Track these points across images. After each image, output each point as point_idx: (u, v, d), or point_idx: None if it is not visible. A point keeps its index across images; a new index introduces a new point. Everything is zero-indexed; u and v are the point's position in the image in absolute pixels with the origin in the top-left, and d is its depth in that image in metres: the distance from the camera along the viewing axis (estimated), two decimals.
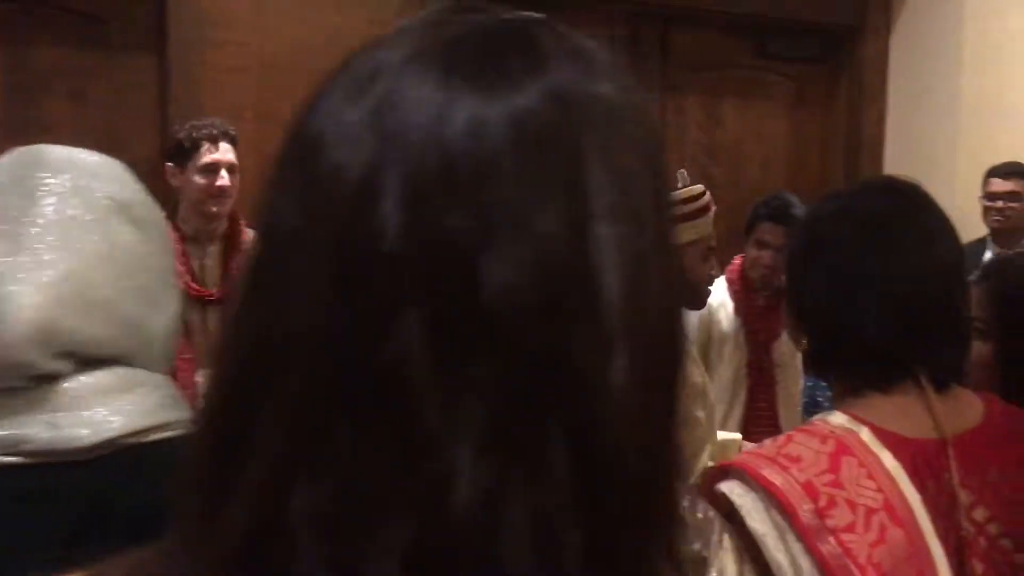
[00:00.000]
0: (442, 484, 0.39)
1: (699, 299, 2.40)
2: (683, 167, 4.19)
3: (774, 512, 1.06)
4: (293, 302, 0.42)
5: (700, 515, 1.17)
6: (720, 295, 3.04)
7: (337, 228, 0.42)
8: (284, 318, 0.42)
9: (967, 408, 1.18)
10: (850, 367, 1.18)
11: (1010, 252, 3.63)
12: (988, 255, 3.72)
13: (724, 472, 1.13)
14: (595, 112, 0.45)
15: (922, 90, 4.24)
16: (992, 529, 1.14)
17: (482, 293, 0.40)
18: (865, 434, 1.11)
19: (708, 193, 2.42)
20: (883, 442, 1.10)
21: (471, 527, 0.39)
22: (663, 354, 0.46)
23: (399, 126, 0.42)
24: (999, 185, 3.83)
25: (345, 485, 0.40)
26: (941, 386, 1.16)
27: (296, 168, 0.44)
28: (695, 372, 2.69)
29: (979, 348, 1.54)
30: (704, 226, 2.38)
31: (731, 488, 1.09)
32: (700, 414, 2.30)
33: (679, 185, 2.39)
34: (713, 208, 2.39)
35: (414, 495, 0.39)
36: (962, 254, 1.24)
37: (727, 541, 1.07)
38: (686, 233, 2.35)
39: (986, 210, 3.87)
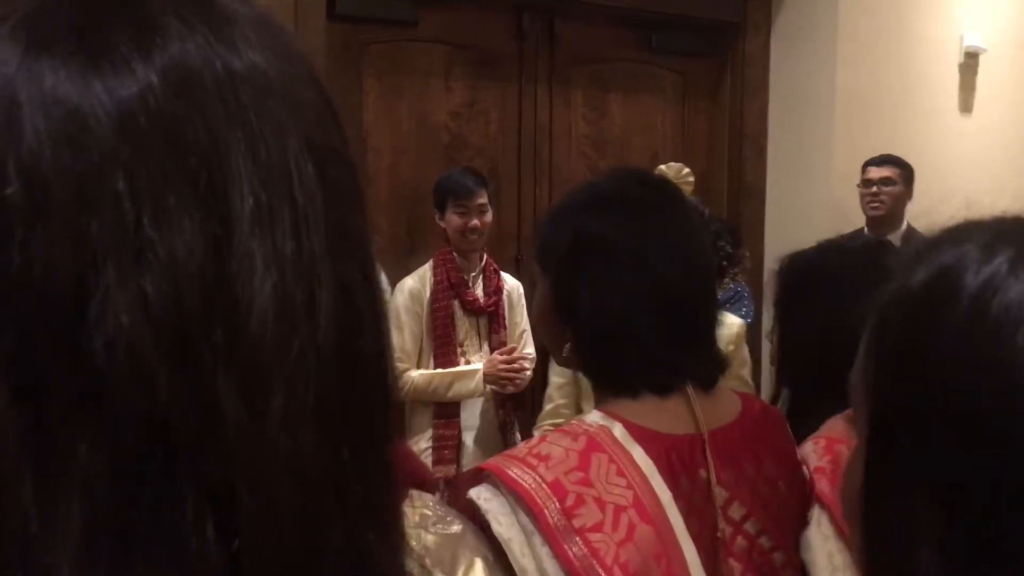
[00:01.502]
0: None
1: None
2: (570, 159, 4.25)
3: (521, 514, 1.02)
4: None
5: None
6: None
7: None
8: None
9: (725, 405, 1.17)
10: (620, 370, 1.14)
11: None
12: None
13: (478, 476, 1.08)
14: (233, 91, 0.36)
15: (801, 85, 4.33)
16: (750, 527, 1.13)
17: (89, 347, 0.32)
18: (618, 430, 1.08)
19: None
20: (635, 437, 1.08)
21: None
22: (349, 379, 0.38)
23: None
24: (874, 172, 3.97)
25: None
26: (709, 383, 1.16)
27: None
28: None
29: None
30: None
31: (479, 493, 1.05)
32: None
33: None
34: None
35: None
36: (707, 242, 1.25)
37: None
38: None
39: (863, 197, 4.00)
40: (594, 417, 1.12)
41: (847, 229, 4.07)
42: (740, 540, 1.13)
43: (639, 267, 1.11)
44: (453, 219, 3.15)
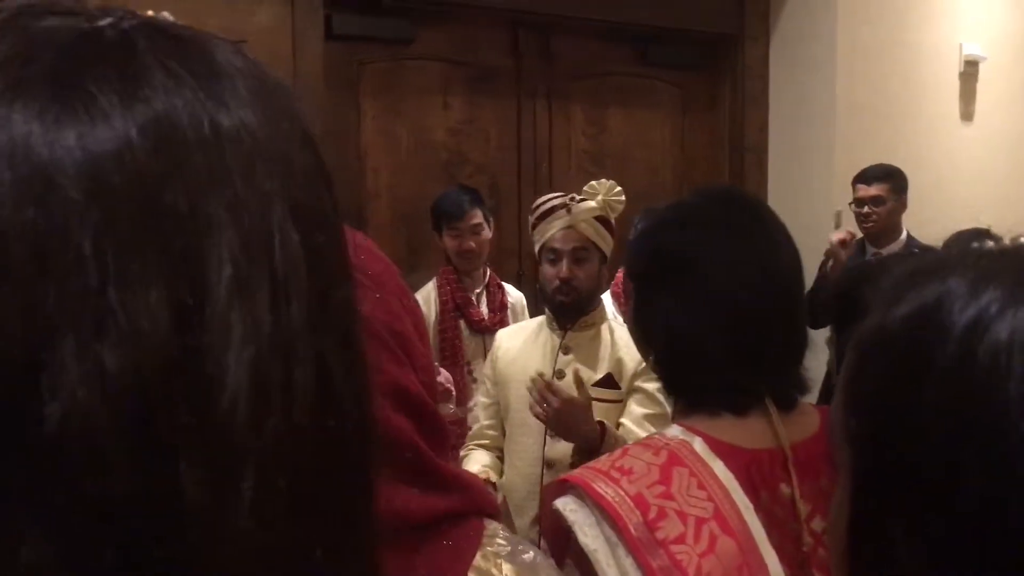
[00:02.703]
0: None
1: (552, 303, 2.36)
2: (570, 173, 4.22)
3: (605, 526, 1.04)
4: None
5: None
6: (610, 310, 3.00)
7: None
8: None
9: (806, 419, 1.16)
10: (696, 389, 1.14)
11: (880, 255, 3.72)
12: (869, 255, 3.81)
13: (563, 487, 1.09)
14: (219, 150, 0.34)
15: (801, 96, 4.34)
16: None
17: (41, 422, 0.30)
18: (698, 444, 1.08)
19: (557, 199, 2.40)
20: (716, 452, 1.08)
21: None
22: (326, 464, 0.36)
23: None
24: (863, 191, 3.88)
25: None
26: (787, 405, 1.14)
27: None
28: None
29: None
30: (541, 232, 2.37)
31: (565, 504, 1.07)
32: None
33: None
34: (560, 213, 2.37)
35: None
36: (800, 263, 1.19)
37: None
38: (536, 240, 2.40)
39: (856, 216, 3.95)
40: (674, 431, 1.12)
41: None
42: (821, 552, 1.12)
43: (712, 287, 1.11)
44: (448, 241, 3.14)
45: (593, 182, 2.44)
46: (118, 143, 0.32)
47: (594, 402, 2.10)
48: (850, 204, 3.96)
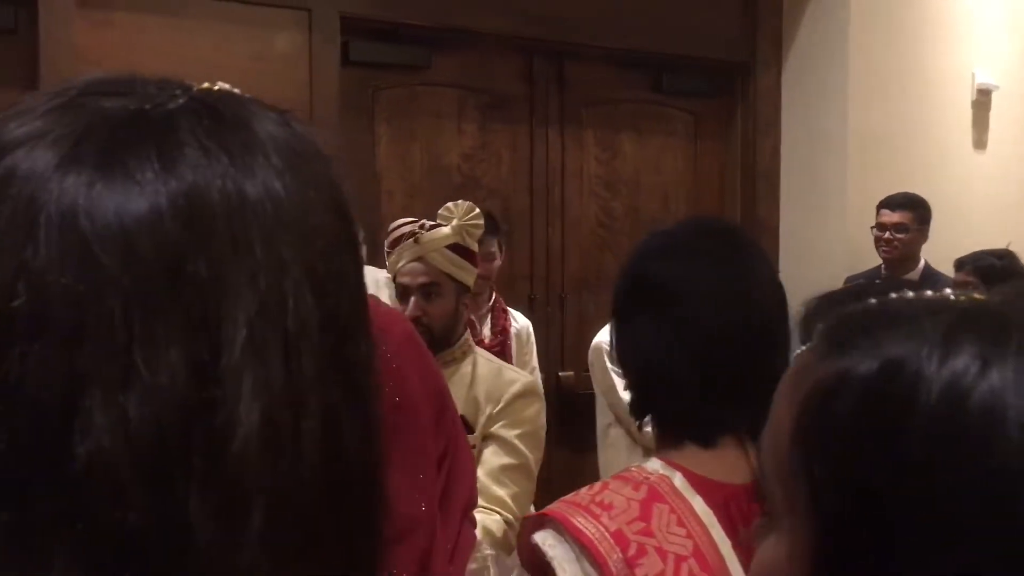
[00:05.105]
0: None
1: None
2: (582, 199, 4.24)
3: (585, 563, 1.05)
4: None
5: None
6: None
7: None
8: None
9: None
10: (668, 420, 1.15)
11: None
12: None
13: (541, 521, 1.11)
14: (242, 220, 0.37)
15: (813, 123, 4.34)
16: None
17: (71, 462, 0.33)
18: (678, 480, 1.10)
19: (407, 225, 2.18)
20: (695, 487, 1.09)
21: None
22: (333, 507, 0.39)
23: None
24: (887, 216, 3.92)
25: None
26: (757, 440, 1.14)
27: None
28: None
29: None
30: (391, 263, 2.18)
31: (544, 539, 1.07)
32: None
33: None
34: (407, 244, 2.15)
35: None
36: (783, 295, 1.19)
37: None
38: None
39: (876, 240, 3.97)
40: (655, 465, 1.13)
41: (862, 267, 4.06)
42: None
43: (687, 317, 1.11)
44: None
45: (450, 204, 2.23)
46: (151, 214, 0.36)
47: None
48: (872, 228, 3.97)
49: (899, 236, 3.90)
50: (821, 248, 4.26)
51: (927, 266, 3.97)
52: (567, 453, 3.78)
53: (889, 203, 3.93)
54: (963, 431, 0.52)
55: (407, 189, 3.93)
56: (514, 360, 3.25)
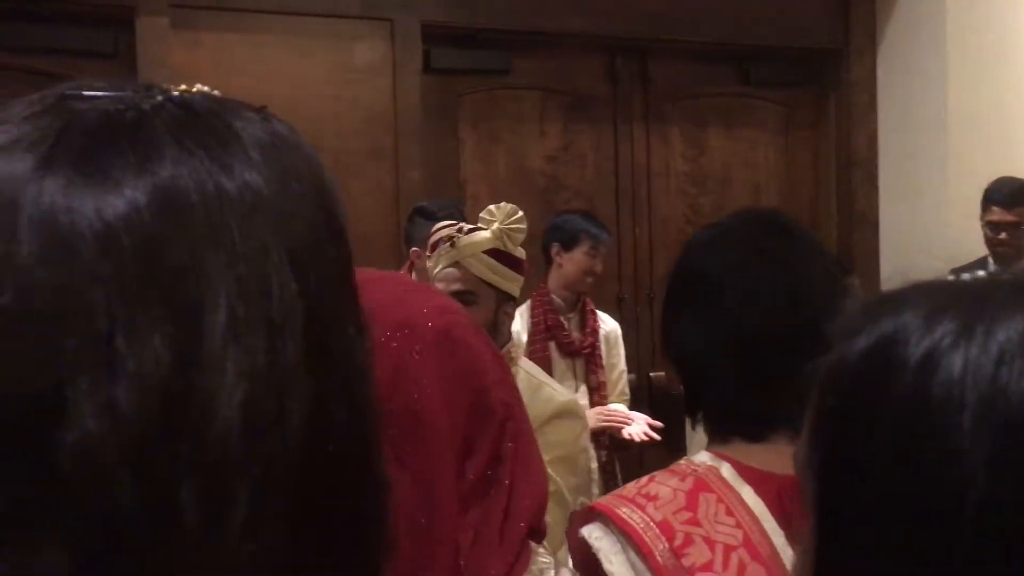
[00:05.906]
0: None
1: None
2: (669, 197, 4.18)
3: (631, 553, 1.03)
4: None
5: None
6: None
7: None
8: None
9: None
10: (715, 415, 1.13)
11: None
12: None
13: (589, 515, 1.10)
14: (219, 210, 0.38)
15: (911, 109, 4.18)
16: None
17: (59, 448, 0.35)
18: (726, 470, 1.07)
19: (445, 229, 2.04)
20: (745, 477, 1.06)
21: None
22: (323, 490, 0.39)
23: None
24: (1000, 215, 3.56)
25: None
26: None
27: None
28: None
29: None
30: (432, 266, 2.03)
31: (590, 532, 1.07)
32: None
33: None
34: (443, 248, 2.01)
35: None
36: (836, 289, 1.15)
37: None
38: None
39: (987, 237, 3.63)
40: (703, 457, 1.12)
41: (966, 258, 3.85)
42: None
43: (729, 311, 1.09)
44: (582, 260, 3.19)
45: (492, 207, 2.08)
46: (128, 208, 0.37)
47: None
48: (982, 225, 3.62)
49: (1015, 235, 3.61)
50: (922, 239, 4.08)
51: None
52: (661, 452, 3.72)
53: (1000, 199, 3.56)
54: (930, 408, 0.51)
55: (492, 193, 3.94)
56: (602, 361, 3.24)
